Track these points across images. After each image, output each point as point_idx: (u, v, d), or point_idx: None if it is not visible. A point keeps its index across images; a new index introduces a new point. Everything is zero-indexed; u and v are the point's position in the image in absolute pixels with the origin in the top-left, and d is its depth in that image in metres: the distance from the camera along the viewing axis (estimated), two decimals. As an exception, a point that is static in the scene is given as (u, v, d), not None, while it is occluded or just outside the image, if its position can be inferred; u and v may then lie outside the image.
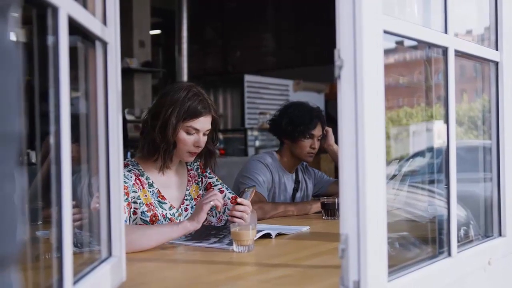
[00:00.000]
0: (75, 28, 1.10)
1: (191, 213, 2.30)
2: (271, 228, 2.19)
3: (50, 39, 1.00)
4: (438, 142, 1.87)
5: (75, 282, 1.08)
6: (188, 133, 2.20)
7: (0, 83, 0.55)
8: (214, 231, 2.15)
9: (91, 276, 1.19)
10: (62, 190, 1.00)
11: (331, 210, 2.64)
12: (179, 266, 1.77)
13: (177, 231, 1.97)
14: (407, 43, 1.56)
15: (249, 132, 7.47)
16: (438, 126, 1.83)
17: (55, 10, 0.99)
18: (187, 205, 2.33)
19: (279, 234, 2.19)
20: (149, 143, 2.21)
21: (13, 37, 0.60)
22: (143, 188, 2.19)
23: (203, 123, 2.21)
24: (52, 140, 1.00)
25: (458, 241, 1.55)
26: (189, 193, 2.36)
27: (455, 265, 1.52)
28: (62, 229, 1.00)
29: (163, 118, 2.16)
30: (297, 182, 3.15)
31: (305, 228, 2.36)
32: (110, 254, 1.37)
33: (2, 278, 0.55)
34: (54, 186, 0.99)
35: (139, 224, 2.16)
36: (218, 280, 1.55)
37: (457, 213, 1.57)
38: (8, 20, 0.58)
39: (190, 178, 2.39)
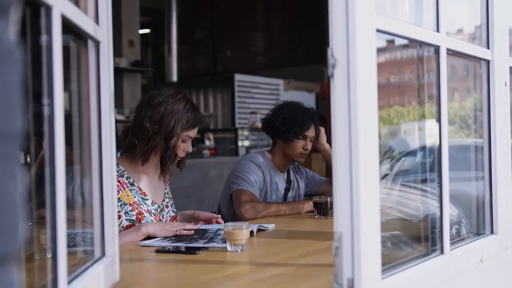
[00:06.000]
0: (67, 27, 1.09)
1: (172, 210, 2.43)
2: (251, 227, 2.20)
3: (43, 38, 1.00)
4: (430, 141, 1.88)
5: (69, 282, 1.07)
6: (184, 141, 2.29)
7: (3, 81, 0.55)
8: (202, 232, 2.16)
9: (85, 276, 1.19)
10: (56, 191, 0.99)
11: (323, 209, 2.65)
12: (172, 266, 1.76)
13: (139, 237, 2.08)
14: (398, 42, 1.56)
15: (239, 132, 7.45)
16: (430, 125, 1.84)
17: (48, 9, 0.98)
18: (167, 202, 2.43)
19: (259, 230, 2.24)
20: (151, 150, 2.26)
21: (14, 36, 0.60)
22: (124, 188, 2.22)
23: (196, 131, 2.34)
24: (45, 140, 0.99)
25: (450, 239, 1.55)
26: (167, 192, 2.46)
27: (448, 263, 1.53)
28: (56, 230, 0.99)
29: (167, 128, 2.23)
30: (288, 181, 3.14)
31: (270, 226, 2.37)
32: (103, 254, 1.36)
33: (5, 276, 0.56)
34: (48, 187, 0.99)
35: (126, 226, 2.17)
36: (212, 280, 1.55)
37: (449, 211, 1.58)
38: (9, 19, 0.58)
39: (166, 179, 2.48)
